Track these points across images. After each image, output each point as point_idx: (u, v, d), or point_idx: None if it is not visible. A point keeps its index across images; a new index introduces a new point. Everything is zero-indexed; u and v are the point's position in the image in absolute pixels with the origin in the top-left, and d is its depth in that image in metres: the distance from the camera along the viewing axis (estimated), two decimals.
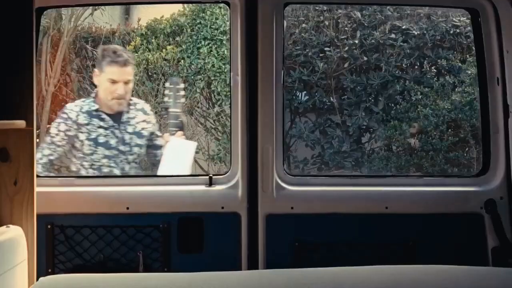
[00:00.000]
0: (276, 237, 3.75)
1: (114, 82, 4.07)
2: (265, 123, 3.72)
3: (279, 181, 3.74)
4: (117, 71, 4.08)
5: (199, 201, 3.73)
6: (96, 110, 4.10)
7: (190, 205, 3.72)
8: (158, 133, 4.28)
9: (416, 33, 6.38)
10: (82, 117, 4.06)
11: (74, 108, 4.09)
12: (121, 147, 4.10)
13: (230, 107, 3.82)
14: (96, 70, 4.20)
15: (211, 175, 3.79)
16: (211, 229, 3.72)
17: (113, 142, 4.07)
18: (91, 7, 7.00)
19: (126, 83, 4.11)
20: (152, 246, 3.67)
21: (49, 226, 3.55)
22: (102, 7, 7.28)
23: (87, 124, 4.07)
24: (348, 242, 3.76)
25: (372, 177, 4.32)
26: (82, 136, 4.04)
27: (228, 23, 6.93)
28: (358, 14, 6.55)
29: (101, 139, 4.06)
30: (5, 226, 2.58)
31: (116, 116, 4.12)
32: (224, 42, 6.97)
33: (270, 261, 3.73)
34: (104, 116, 4.09)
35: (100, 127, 4.08)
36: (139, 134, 4.15)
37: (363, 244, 3.73)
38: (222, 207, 3.71)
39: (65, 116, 4.07)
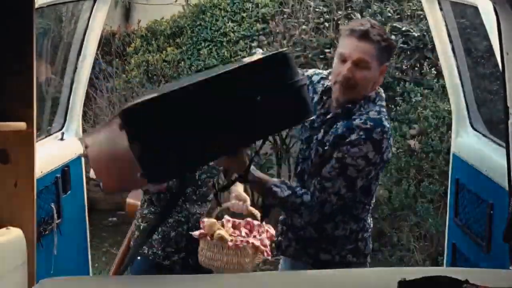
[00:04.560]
0: None
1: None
2: None
3: None
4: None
5: None
6: None
7: None
8: None
9: (416, 35, 6.38)
10: None
11: None
12: None
13: None
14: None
15: None
16: None
17: None
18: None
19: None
20: None
21: None
22: None
23: None
24: None
25: None
26: None
27: (228, 24, 6.95)
28: (358, 15, 6.55)
29: None
30: (5, 228, 2.57)
31: None
32: (224, 43, 6.97)
33: None
34: None
35: None
36: None
37: None
38: None
39: None
